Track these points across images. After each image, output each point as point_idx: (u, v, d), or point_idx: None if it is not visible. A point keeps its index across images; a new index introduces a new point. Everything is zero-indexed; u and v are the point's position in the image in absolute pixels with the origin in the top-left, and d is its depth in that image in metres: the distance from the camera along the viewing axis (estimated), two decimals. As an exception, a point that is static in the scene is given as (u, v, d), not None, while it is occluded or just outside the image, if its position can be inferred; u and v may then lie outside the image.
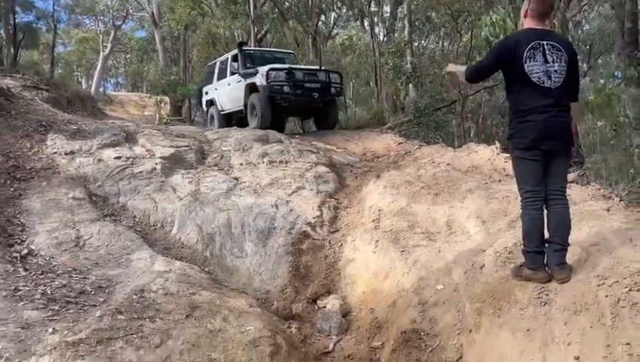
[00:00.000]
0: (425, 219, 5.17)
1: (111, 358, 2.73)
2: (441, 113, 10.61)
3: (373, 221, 5.48)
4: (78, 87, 17.14)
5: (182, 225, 5.54)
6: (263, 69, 9.77)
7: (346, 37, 15.78)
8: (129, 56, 45.30)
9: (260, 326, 3.53)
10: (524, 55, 3.19)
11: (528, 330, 3.00)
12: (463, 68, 3.54)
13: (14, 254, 4.15)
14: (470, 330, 3.32)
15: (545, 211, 3.32)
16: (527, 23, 3.31)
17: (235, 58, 10.92)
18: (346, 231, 5.77)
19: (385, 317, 3.94)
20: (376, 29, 23.64)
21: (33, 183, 5.67)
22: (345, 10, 24.54)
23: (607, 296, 2.85)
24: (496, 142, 7.22)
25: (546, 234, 3.30)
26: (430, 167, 6.41)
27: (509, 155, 6.56)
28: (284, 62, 11.10)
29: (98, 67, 34.92)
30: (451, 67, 3.73)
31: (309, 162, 7.31)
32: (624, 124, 6.70)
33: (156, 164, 6.50)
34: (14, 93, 8.66)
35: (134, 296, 3.58)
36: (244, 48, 10.96)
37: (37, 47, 23.07)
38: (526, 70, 3.21)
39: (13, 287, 3.48)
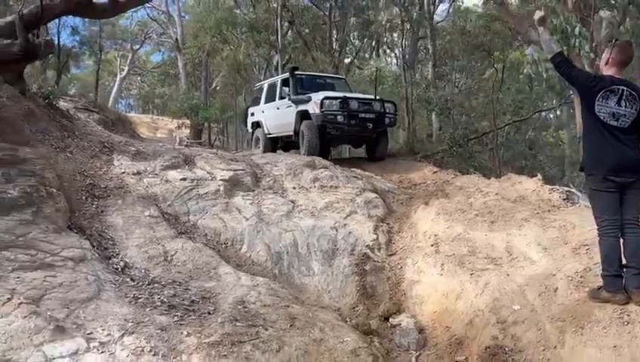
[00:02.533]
0: (484, 245, 5.48)
1: (247, 358, 3.05)
2: (472, 144, 11.02)
3: (432, 245, 5.80)
4: (118, 110, 17.68)
5: (251, 243, 5.88)
6: (316, 97, 9.69)
7: (374, 68, 16.30)
8: (142, 78, 46.40)
9: (355, 337, 3.85)
10: (599, 94, 3.60)
11: (615, 347, 3.30)
12: (555, 47, 3.78)
13: (115, 266, 4.48)
14: (555, 346, 3.61)
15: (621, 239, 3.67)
16: (608, 71, 3.70)
17: (285, 82, 10.86)
18: (402, 254, 6.08)
19: (464, 334, 4.24)
20: (398, 62, 24.31)
21: (110, 201, 6.02)
22: (365, 41, 25.31)
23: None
24: (538, 174, 7.59)
25: (624, 260, 3.63)
26: (480, 196, 6.75)
27: (553, 187, 6.98)
28: (334, 88, 11.09)
29: (114, 89, 35.79)
30: (543, 29, 3.84)
31: (356, 188, 7.66)
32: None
33: (219, 185, 6.86)
34: (72, 115, 9.10)
35: (239, 307, 3.90)
36: (296, 73, 10.82)
37: (68, 71, 23.71)
38: (595, 108, 3.62)
39: (132, 295, 3.82)
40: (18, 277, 3.34)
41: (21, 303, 2.99)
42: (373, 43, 25.59)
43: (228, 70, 23.86)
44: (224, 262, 5.19)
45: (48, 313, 3.03)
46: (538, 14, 3.80)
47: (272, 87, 11.65)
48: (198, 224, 6.10)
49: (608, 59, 3.71)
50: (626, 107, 3.61)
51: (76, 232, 4.77)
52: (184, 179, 6.85)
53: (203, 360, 2.88)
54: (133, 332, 3.08)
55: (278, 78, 11.70)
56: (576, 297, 3.93)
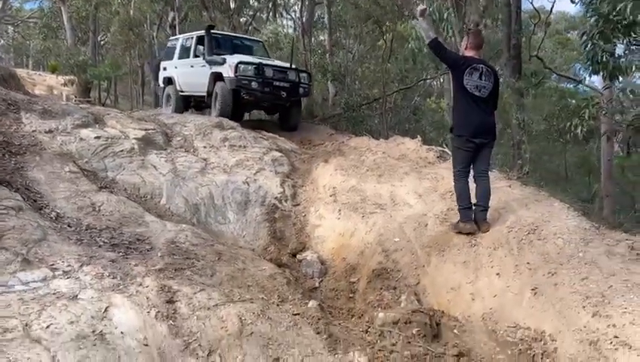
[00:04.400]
0: (373, 194, 6.55)
1: (189, 279, 3.77)
2: (364, 109, 12.16)
3: (331, 196, 6.79)
4: (7, 66, 16.48)
5: (170, 196, 6.44)
6: (231, 60, 9.58)
7: (271, 34, 16.75)
8: (15, 28, 42.43)
9: (272, 266, 4.72)
10: (466, 71, 4.65)
11: (464, 262, 4.50)
12: (431, 34, 4.78)
13: (49, 215, 4.88)
14: (423, 265, 4.76)
15: (473, 184, 4.84)
16: (468, 53, 4.78)
17: (200, 40, 10.57)
18: (306, 204, 7.00)
19: (356, 262, 5.29)
20: (295, 26, 24.91)
21: (28, 158, 6.22)
22: (262, 1, 25.51)
23: (514, 238, 4.42)
24: (418, 136, 8.86)
25: (474, 200, 4.82)
26: (370, 155, 7.84)
27: (429, 147, 8.24)
28: (251, 51, 11.05)
29: (-17, 39, 32.67)
30: (422, 21, 4.84)
31: (263, 147, 8.41)
32: (516, 125, 8.68)
33: (133, 144, 7.24)
34: (-35, 70, 8.77)
35: (172, 245, 4.57)
36: (213, 32, 10.55)
37: None
38: (464, 82, 4.68)
39: (75, 238, 4.33)
40: (-24, 221, 3.74)
41: (-12, 241, 3.45)
42: (270, 5, 25.92)
43: (120, 26, 22.89)
44: (147, 213, 5.75)
45: (13, 248, 3.51)
46: (420, 7, 4.76)
47: (186, 43, 11.34)
48: (116, 179, 6.51)
49: (467, 44, 4.80)
50: (485, 80, 4.70)
51: (5, 186, 5.06)
52: (98, 138, 7.14)
53: (155, 281, 3.55)
54: (89, 264, 3.65)
55: (193, 35, 11.33)
56: (441, 229, 5.11)
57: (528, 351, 3.41)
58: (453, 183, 4.84)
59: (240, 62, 9.52)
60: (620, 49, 7.49)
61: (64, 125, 7.34)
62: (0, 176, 5.46)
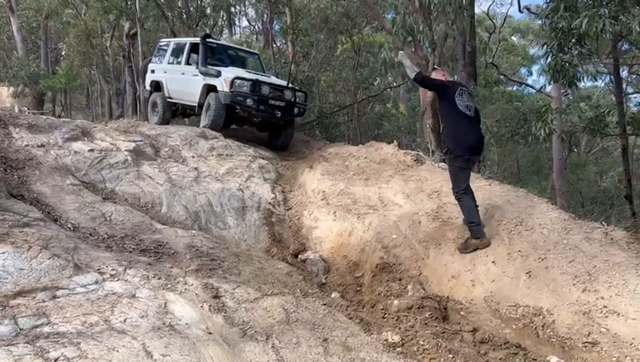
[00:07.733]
0: (362, 196, 7.03)
1: (224, 278, 4.10)
2: (335, 116, 12.66)
3: (322, 199, 7.22)
4: None
5: (170, 205, 6.69)
6: (226, 75, 9.28)
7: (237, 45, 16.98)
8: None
9: (285, 265, 5.11)
10: (456, 92, 5.13)
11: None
12: (415, 69, 5.36)
13: (67, 226, 5.07)
14: (423, 258, 5.26)
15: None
16: (449, 78, 5.35)
17: (194, 48, 10.27)
18: (298, 208, 7.40)
19: (358, 259, 5.73)
20: (257, 36, 25.23)
21: (28, 172, 6.32)
22: (222, 14, 25.71)
23: (503, 230, 4.99)
24: (395, 141, 9.43)
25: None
26: (353, 160, 8.33)
27: (406, 151, 8.80)
28: (245, 63, 10.85)
29: None
30: (404, 60, 5.45)
31: (248, 155, 8.75)
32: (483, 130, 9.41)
33: (126, 155, 7.42)
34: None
35: (193, 249, 4.88)
36: (208, 41, 10.26)
37: None
38: (457, 104, 5.07)
39: (104, 246, 4.57)
40: (21, 231, 3.92)
41: (41, 249, 3.65)
42: (225, 16, 26.17)
43: (76, 36, 22.52)
44: (154, 221, 5.99)
45: (62, 255, 3.74)
46: (400, 53, 5.40)
47: (178, 49, 10.85)
48: (116, 190, 6.69)
49: (444, 74, 5.33)
50: (469, 100, 5.22)
51: (19, 199, 5.21)
52: (92, 151, 7.28)
53: (196, 280, 3.86)
54: (131, 268, 3.92)
55: (186, 40, 10.89)
56: (434, 226, 5.64)
57: (530, 324, 3.95)
58: (459, 203, 5.07)
59: (236, 78, 9.21)
60: (571, 58, 8.27)
61: (55, 139, 7.44)
62: (10, 190, 5.60)
